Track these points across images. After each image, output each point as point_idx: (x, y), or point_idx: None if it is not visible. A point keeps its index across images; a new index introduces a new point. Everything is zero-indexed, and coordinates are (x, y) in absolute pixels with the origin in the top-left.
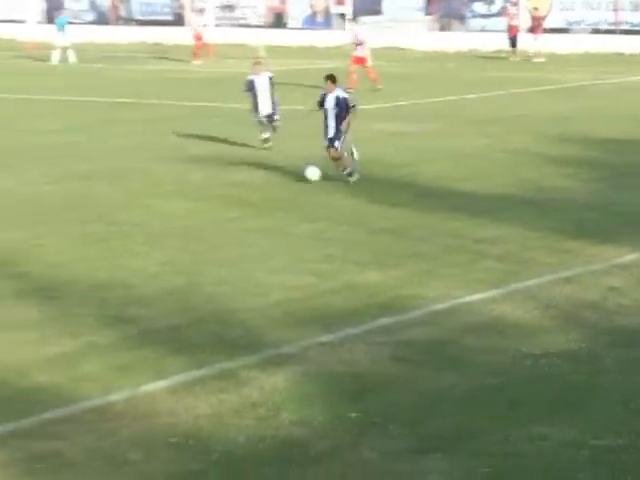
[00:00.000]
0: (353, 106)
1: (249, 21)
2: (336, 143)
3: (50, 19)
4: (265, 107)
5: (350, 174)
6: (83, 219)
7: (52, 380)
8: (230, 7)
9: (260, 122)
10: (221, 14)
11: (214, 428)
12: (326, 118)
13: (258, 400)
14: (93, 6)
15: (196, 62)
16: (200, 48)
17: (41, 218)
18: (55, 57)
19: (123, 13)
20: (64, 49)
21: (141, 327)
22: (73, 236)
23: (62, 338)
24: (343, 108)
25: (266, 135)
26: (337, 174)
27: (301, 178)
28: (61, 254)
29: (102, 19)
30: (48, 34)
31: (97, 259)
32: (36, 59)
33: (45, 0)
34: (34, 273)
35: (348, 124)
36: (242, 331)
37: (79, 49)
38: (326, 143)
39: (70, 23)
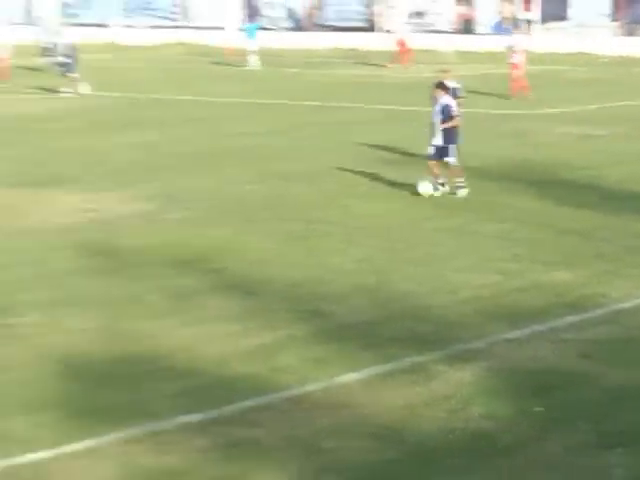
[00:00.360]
0: (452, 117)
1: (439, 27)
2: (448, 159)
3: None
4: None
5: (461, 187)
6: (282, 218)
7: (252, 370)
8: (420, 14)
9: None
10: (412, 20)
11: (406, 419)
12: (433, 125)
13: (447, 393)
14: (290, 13)
15: (392, 66)
16: (402, 54)
17: (243, 217)
18: (250, 62)
19: (318, 20)
20: (254, 54)
21: (336, 322)
22: (273, 234)
23: (261, 331)
24: (446, 115)
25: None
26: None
27: (489, 179)
28: (261, 251)
29: (298, 26)
30: (244, 41)
31: (295, 256)
32: (234, 65)
33: (244, 8)
34: (235, 269)
35: (452, 131)
36: (431, 327)
37: (275, 55)
38: (431, 152)
39: (265, 29)
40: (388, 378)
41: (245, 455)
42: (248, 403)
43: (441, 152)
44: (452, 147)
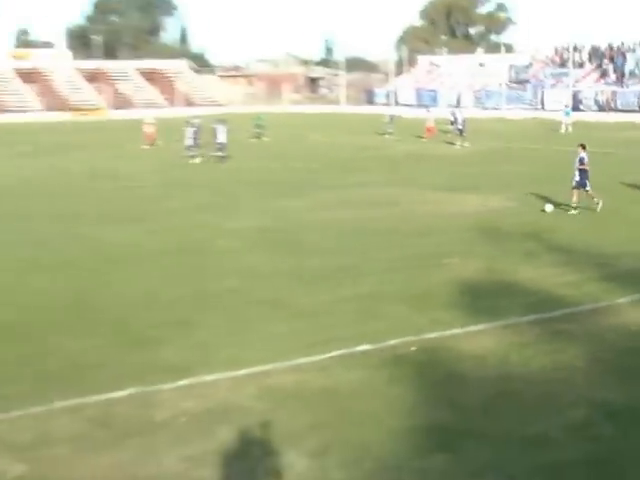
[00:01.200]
0: (584, 164)
1: None
2: (587, 187)
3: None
4: None
5: (598, 203)
6: (589, 209)
7: (567, 293)
8: None
9: None
10: None
11: None
12: (575, 169)
13: None
14: (596, 102)
15: None
16: None
17: (564, 209)
18: (562, 130)
19: (614, 105)
20: (568, 126)
21: (617, 268)
22: (582, 219)
23: (571, 273)
24: (581, 163)
25: None
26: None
27: None
28: (573, 228)
29: (601, 109)
30: (563, 117)
31: (592, 232)
32: (558, 130)
33: (571, 98)
34: (557, 238)
35: (585, 173)
36: None
37: (586, 125)
38: (573, 184)
39: (582, 111)
40: None
41: (562, 339)
42: (565, 310)
43: (580, 184)
44: (586, 182)
